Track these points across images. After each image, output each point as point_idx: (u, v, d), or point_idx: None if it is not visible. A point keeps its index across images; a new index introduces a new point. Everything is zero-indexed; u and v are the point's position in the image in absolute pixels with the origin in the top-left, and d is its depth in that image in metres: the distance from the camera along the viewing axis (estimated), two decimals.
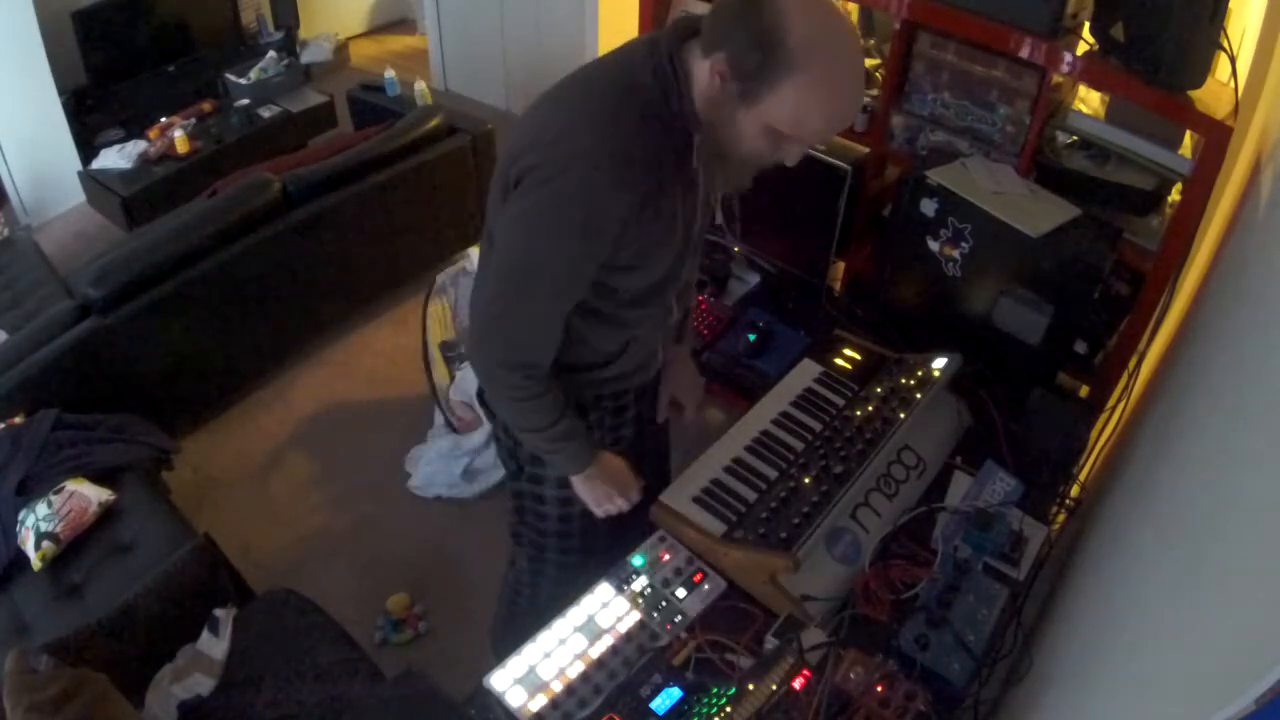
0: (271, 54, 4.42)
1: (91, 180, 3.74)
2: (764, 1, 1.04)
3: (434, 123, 3.26)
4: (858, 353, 1.83)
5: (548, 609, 1.38)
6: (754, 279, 2.41)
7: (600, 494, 1.50)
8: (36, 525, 2.02)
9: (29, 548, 2.01)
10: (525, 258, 1.22)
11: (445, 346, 2.85)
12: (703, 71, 1.12)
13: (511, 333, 1.29)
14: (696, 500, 1.51)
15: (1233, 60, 1.59)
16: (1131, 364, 1.77)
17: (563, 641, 1.33)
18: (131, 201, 3.60)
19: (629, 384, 1.52)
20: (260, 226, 2.78)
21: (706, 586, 1.43)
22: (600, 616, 1.37)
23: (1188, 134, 1.80)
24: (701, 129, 1.17)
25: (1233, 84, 1.61)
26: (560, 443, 1.41)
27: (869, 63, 2.29)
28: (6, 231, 3.55)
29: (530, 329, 1.29)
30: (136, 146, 3.76)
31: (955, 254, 1.86)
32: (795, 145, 1.15)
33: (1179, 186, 1.82)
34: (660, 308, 1.41)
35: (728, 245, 2.41)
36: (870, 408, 1.65)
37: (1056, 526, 1.63)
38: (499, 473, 2.54)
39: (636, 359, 1.47)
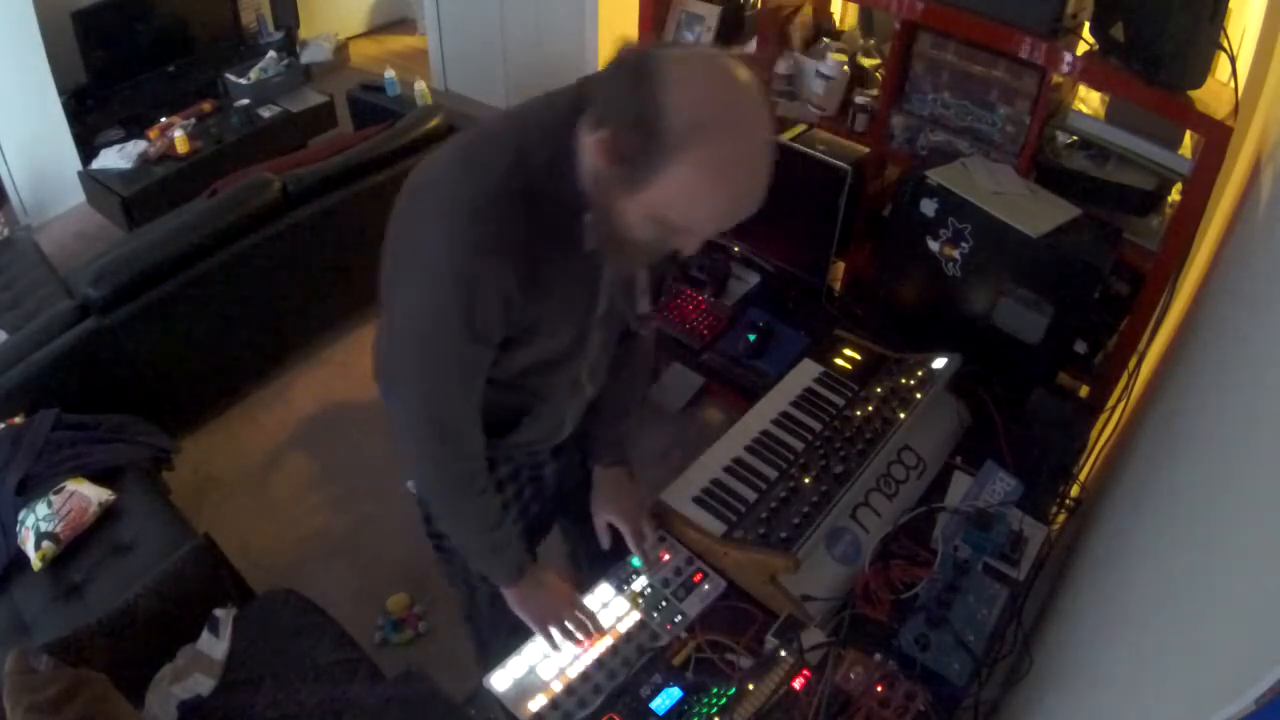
0: (271, 54, 4.42)
1: (91, 180, 3.74)
2: (649, 73, 0.90)
3: (434, 123, 3.26)
4: (858, 353, 1.83)
5: (514, 628, 1.36)
6: (754, 279, 2.41)
7: (539, 608, 1.35)
8: (36, 525, 2.02)
9: (29, 548, 2.01)
10: (422, 355, 1.13)
11: None
12: (588, 147, 0.99)
13: (440, 425, 1.19)
14: (696, 500, 1.51)
15: (1233, 60, 1.59)
16: (1131, 364, 1.77)
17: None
18: (131, 201, 3.60)
19: (535, 448, 1.43)
20: (260, 226, 2.77)
21: (706, 586, 1.43)
22: (600, 617, 1.37)
23: (1188, 134, 1.80)
24: (592, 208, 1.03)
25: (1233, 84, 1.61)
26: (494, 552, 1.33)
27: (868, 62, 2.29)
28: (6, 231, 3.55)
29: (453, 415, 1.18)
30: (136, 146, 3.76)
31: (955, 254, 1.86)
32: (691, 236, 1.02)
33: (1179, 186, 1.82)
34: (561, 382, 1.30)
35: (726, 245, 2.42)
36: (870, 408, 1.65)
37: (1056, 526, 1.63)
38: None
39: (536, 430, 1.36)
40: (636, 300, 1.26)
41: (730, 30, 2.48)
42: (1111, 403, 1.83)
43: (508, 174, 1.01)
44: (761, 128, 0.95)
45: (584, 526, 1.62)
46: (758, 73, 0.96)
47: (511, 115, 1.10)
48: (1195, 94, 1.62)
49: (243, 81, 4.30)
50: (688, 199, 0.94)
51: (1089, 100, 2.03)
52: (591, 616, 1.36)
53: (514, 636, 1.36)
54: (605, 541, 1.51)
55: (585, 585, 1.43)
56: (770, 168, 0.96)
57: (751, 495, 1.51)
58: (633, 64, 0.92)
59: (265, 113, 4.15)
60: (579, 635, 1.33)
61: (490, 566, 1.35)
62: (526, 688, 1.27)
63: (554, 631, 1.33)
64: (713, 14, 2.43)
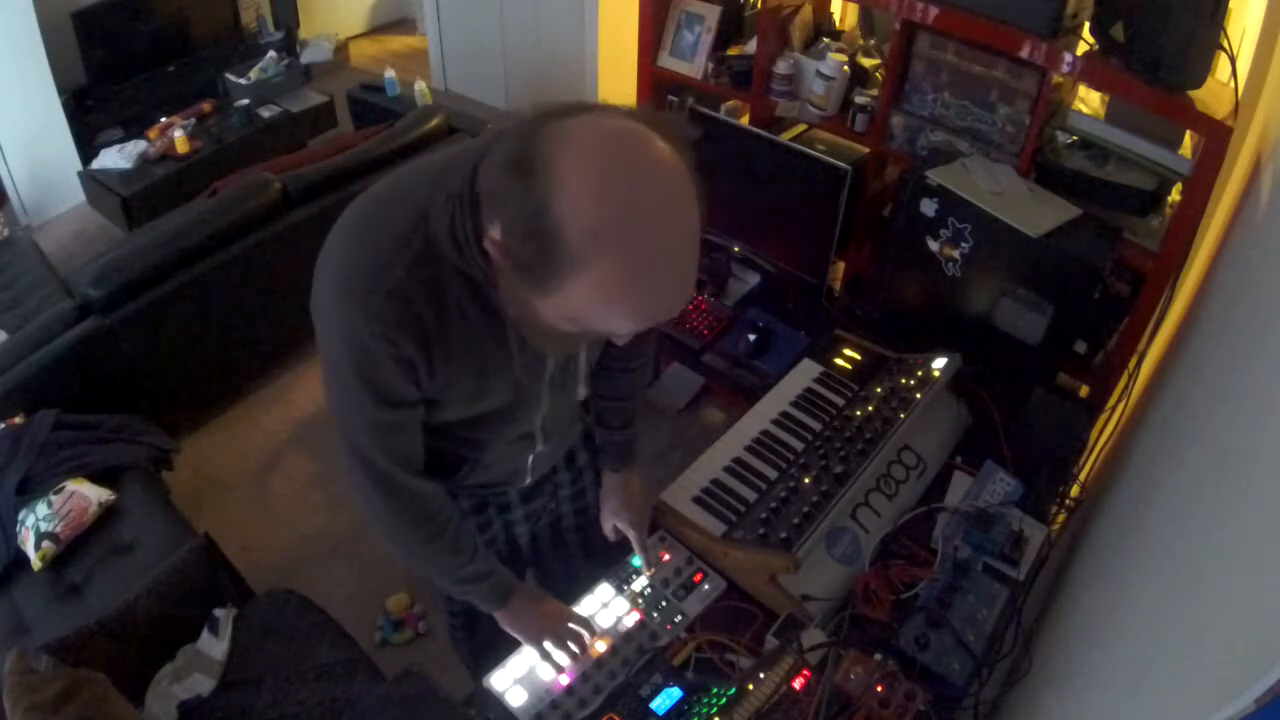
0: (271, 54, 4.42)
1: (91, 180, 3.74)
2: (539, 168, 0.77)
3: (434, 123, 3.26)
4: (858, 353, 1.83)
5: (494, 635, 1.34)
6: (754, 279, 2.41)
7: (531, 627, 1.31)
8: (36, 525, 2.02)
9: (29, 548, 2.01)
10: (348, 417, 1.08)
11: None
12: (486, 239, 0.88)
13: (381, 476, 1.13)
14: (696, 500, 1.51)
15: (1233, 60, 1.59)
16: (1131, 364, 1.77)
17: None
18: (131, 201, 3.60)
19: (499, 489, 1.36)
20: (260, 226, 2.77)
21: (706, 586, 1.43)
22: (600, 616, 1.37)
23: (1188, 134, 1.80)
24: (502, 294, 0.95)
25: (1233, 84, 1.61)
26: (471, 584, 1.27)
27: (868, 62, 2.29)
28: (6, 231, 3.54)
29: (391, 467, 1.12)
30: (136, 146, 3.76)
31: (955, 254, 1.86)
32: (613, 334, 0.94)
33: (1179, 186, 1.82)
34: (507, 436, 1.22)
35: (726, 245, 2.42)
36: (870, 408, 1.65)
37: (1056, 526, 1.63)
38: None
39: (487, 476, 1.30)
40: (578, 380, 1.19)
41: (730, 30, 2.48)
42: (1111, 403, 1.83)
43: (407, 239, 0.93)
44: (678, 216, 0.81)
45: (556, 569, 1.61)
46: (676, 134, 0.83)
47: (431, 166, 0.99)
48: (1195, 94, 1.62)
49: (243, 81, 4.30)
50: (597, 309, 0.84)
51: (1089, 100, 2.03)
52: (586, 624, 1.33)
53: (498, 651, 1.34)
54: (612, 536, 1.51)
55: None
56: (694, 255, 0.85)
57: (751, 495, 1.51)
58: (520, 154, 0.79)
59: (265, 113, 4.15)
60: (575, 649, 1.30)
61: (473, 598, 1.30)
62: (526, 687, 1.27)
63: (550, 647, 1.30)
64: (712, 14, 2.43)
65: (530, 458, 1.31)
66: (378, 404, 1.03)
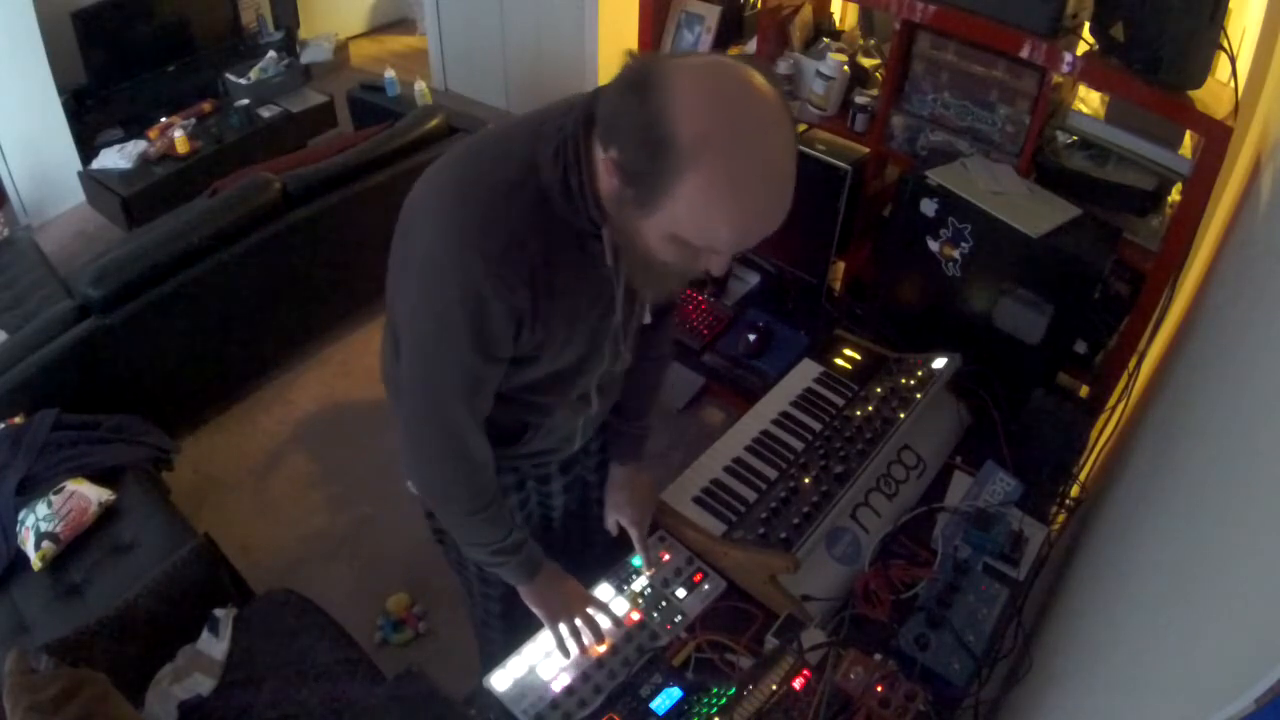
0: (271, 54, 4.42)
1: (91, 180, 3.74)
2: (653, 85, 0.86)
3: (434, 123, 3.26)
4: (858, 353, 1.83)
5: (522, 623, 1.36)
6: (754, 279, 2.41)
7: (554, 604, 1.33)
8: (36, 525, 2.02)
9: (29, 548, 2.01)
10: (429, 370, 1.11)
11: None
12: (600, 166, 0.95)
13: (449, 438, 1.16)
14: (696, 500, 1.51)
15: (1233, 60, 1.59)
16: (1131, 364, 1.77)
17: None
18: (131, 201, 3.60)
19: (545, 459, 1.40)
20: (260, 226, 2.77)
21: (706, 586, 1.43)
22: (600, 618, 1.37)
23: (1188, 134, 1.80)
24: (612, 229, 1.00)
25: (1233, 84, 1.61)
26: (506, 556, 1.29)
27: (868, 62, 2.29)
28: (6, 231, 3.55)
29: (461, 429, 1.15)
30: (136, 146, 3.76)
31: (955, 254, 1.86)
32: (713, 255, 0.98)
33: (1179, 186, 1.82)
34: (569, 397, 1.27)
35: None
36: (870, 408, 1.65)
37: (1056, 526, 1.63)
38: None
39: (545, 442, 1.34)
40: (642, 313, 1.25)
41: (730, 30, 2.48)
42: (1111, 403, 1.83)
43: (520, 188, 0.98)
44: (778, 137, 0.89)
45: (582, 554, 1.62)
46: (774, 79, 0.91)
47: (524, 123, 1.03)
48: (1195, 94, 1.62)
49: (243, 81, 4.30)
50: (701, 217, 0.89)
51: (1089, 100, 2.03)
52: (605, 609, 1.35)
53: (515, 633, 1.36)
54: (614, 529, 1.51)
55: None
56: (792, 178, 0.92)
57: (751, 495, 1.51)
58: (637, 76, 0.88)
59: (265, 113, 4.15)
60: (588, 638, 1.32)
61: (505, 571, 1.33)
62: (526, 688, 1.27)
63: (564, 630, 1.31)
64: (712, 14, 2.43)
65: (583, 420, 1.35)
66: (481, 357, 1.06)
